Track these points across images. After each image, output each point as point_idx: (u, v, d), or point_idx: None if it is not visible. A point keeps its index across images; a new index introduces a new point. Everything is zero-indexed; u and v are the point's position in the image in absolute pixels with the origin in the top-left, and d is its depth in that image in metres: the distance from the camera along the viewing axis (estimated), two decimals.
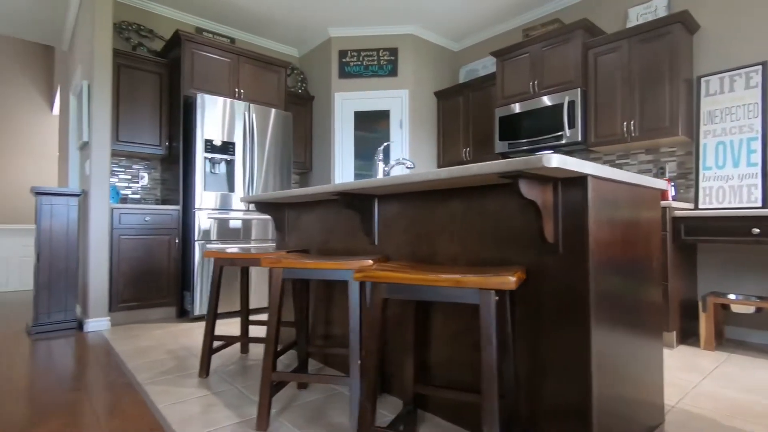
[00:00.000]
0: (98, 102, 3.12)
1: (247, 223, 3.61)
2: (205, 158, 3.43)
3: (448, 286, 1.10)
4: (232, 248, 3.51)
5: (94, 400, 1.82)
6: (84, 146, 3.37)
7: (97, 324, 3.07)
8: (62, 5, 4.03)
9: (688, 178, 3.11)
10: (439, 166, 4.53)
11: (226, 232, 3.50)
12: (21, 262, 7.96)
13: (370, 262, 1.57)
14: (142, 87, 3.62)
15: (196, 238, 3.35)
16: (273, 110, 3.79)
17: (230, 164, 3.60)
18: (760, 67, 2.76)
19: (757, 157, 2.73)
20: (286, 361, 2.38)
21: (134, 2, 3.93)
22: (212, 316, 2.14)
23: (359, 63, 4.42)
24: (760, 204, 2.69)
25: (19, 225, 7.89)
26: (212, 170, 3.53)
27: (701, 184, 2.93)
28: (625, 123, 3.11)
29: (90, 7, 3.30)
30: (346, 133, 4.44)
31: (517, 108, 3.69)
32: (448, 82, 4.72)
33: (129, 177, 3.82)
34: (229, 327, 3.18)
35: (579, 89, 3.30)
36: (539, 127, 3.53)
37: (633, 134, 3.07)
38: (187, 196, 3.49)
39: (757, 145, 2.73)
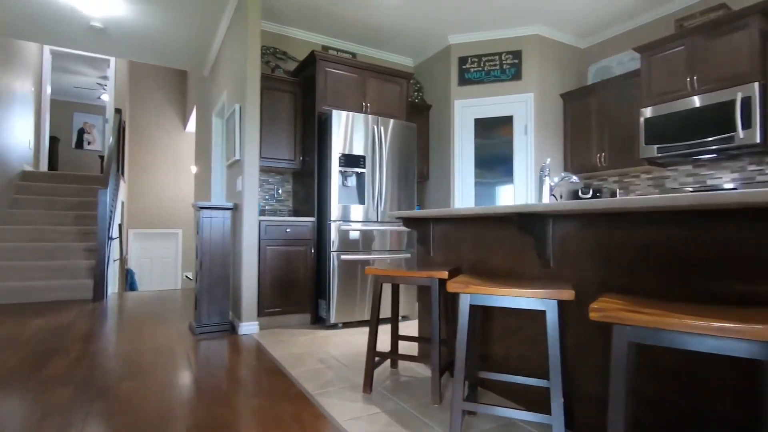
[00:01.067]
0: (250, 123, 3.39)
1: (379, 234, 3.69)
2: (339, 171, 3.57)
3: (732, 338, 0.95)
4: (366, 257, 3.60)
5: (281, 410, 1.94)
6: (234, 164, 3.69)
7: (248, 328, 3.33)
8: (209, 37, 4.48)
9: None
10: (566, 171, 4.24)
11: (357, 243, 3.60)
12: (163, 262, 9.11)
13: (571, 291, 1.46)
14: (279, 106, 3.88)
15: (331, 248, 3.50)
16: (398, 122, 3.83)
17: (360, 177, 3.71)
18: None
19: None
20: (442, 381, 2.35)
21: (271, 27, 4.24)
22: (374, 332, 2.18)
23: (480, 69, 4.30)
24: None
25: (159, 229, 9.04)
26: (344, 183, 3.66)
27: None
28: None
29: (238, 38, 3.61)
30: (466, 141, 4.35)
31: (669, 108, 3.30)
32: (574, 82, 4.40)
33: (266, 191, 4.12)
34: (365, 337, 3.26)
35: (757, 84, 2.85)
36: (700, 129, 3.12)
37: None
38: (322, 208, 3.66)
39: None
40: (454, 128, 4.38)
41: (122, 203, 7.13)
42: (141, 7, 3.90)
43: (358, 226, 3.61)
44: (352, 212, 3.59)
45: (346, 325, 3.61)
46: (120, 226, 6.05)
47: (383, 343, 3.05)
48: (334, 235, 3.51)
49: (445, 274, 2.04)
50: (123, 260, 6.20)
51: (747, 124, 2.88)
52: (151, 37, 4.52)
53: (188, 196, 9.13)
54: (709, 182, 3.44)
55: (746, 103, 2.88)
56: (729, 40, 3.01)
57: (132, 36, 4.52)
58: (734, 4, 3.33)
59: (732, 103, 2.95)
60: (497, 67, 4.25)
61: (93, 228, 5.50)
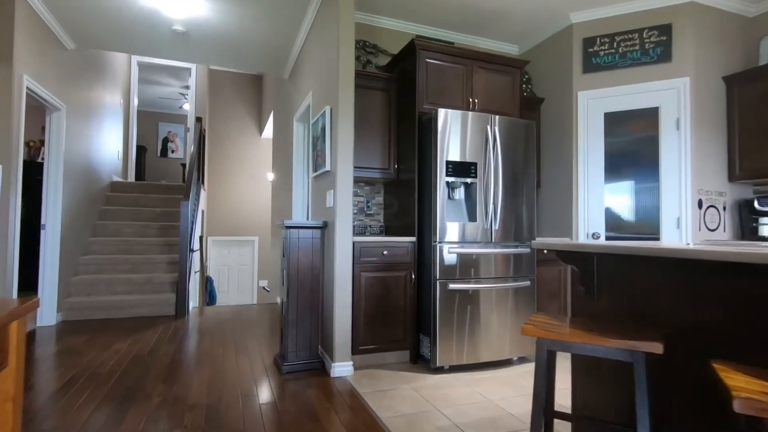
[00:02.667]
0: (343, 128, 2.89)
1: (491, 258, 3.03)
2: (446, 183, 2.96)
3: None
4: (477, 286, 2.96)
5: None
6: (323, 175, 3.22)
7: (342, 369, 2.83)
8: (292, 33, 4.08)
9: None
10: (733, 176, 3.29)
11: (466, 269, 2.97)
12: (239, 269, 9.12)
13: None
14: (370, 106, 3.35)
15: (436, 275, 2.89)
16: (514, 120, 3.14)
17: (469, 188, 3.07)
18: None
19: None
20: None
21: (358, 18, 3.74)
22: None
23: (613, 51, 3.48)
24: None
25: (236, 237, 9.04)
26: (450, 196, 3.05)
27: None
28: None
29: (327, 32, 3.13)
30: (593, 141, 3.54)
31: None
32: (741, 61, 3.43)
33: (354, 204, 3.62)
34: (484, 389, 2.62)
35: None
36: None
37: None
38: (424, 225, 3.07)
39: None
40: (578, 125, 3.59)
41: (202, 212, 7.09)
42: (221, 6, 3.57)
43: (472, 249, 2.97)
44: (460, 231, 2.96)
45: (454, 369, 2.98)
46: (201, 237, 5.93)
47: (507, 401, 2.38)
48: (440, 259, 2.90)
49: (658, 348, 1.35)
50: (203, 270, 6.10)
51: None
52: (230, 37, 4.22)
53: (264, 203, 9.04)
54: None
55: None
56: None
57: (212, 39, 4.25)
58: None
59: None
60: (637, 47, 3.40)
61: (176, 240, 5.39)
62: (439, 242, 2.91)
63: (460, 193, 3.08)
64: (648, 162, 3.37)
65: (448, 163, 2.95)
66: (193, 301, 5.29)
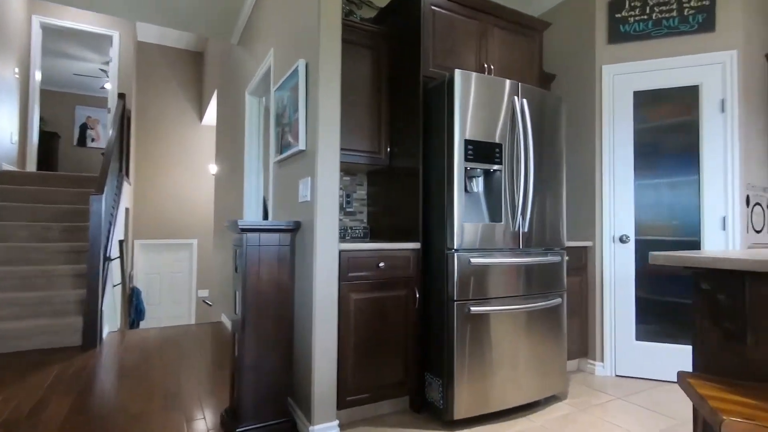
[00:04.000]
0: (326, 91, 2.03)
1: (523, 270, 2.32)
2: (465, 169, 2.20)
3: None
4: (505, 308, 2.22)
5: None
6: (294, 159, 2.34)
7: None
8: None
9: None
10: None
11: (490, 284, 2.22)
12: (174, 278, 7.82)
13: None
14: (354, 69, 2.52)
15: (455, 295, 2.12)
16: (542, 91, 2.45)
17: (491, 178, 2.33)
18: None
19: None
20: None
21: None
22: None
23: (645, 17, 2.90)
24: None
25: (171, 240, 7.75)
26: (467, 188, 2.29)
27: None
28: None
29: None
30: (619, 125, 2.95)
31: None
32: None
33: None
34: None
35: None
36: None
37: None
38: (431, 227, 2.29)
39: None
40: (602, 106, 2.98)
41: (126, 210, 5.84)
42: None
43: (499, 258, 2.23)
44: (481, 235, 2.21)
45: (479, 420, 2.22)
46: (122, 242, 4.74)
47: None
48: (458, 272, 2.13)
49: None
50: (125, 282, 4.91)
51: None
52: None
53: (205, 200, 7.82)
54: None
55: None
56: None
57: None
58: None
59: None
60: (674, 13, 2.85)
61: (87, 245, 4.20)
62: (457, 250, 2.14)
63: (478, 185, 2.33)
64: (686, 151, 2.83)
65: (467, 143, 2.19)
66: (111, 323, 4.14)
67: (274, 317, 2.07)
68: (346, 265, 2.09)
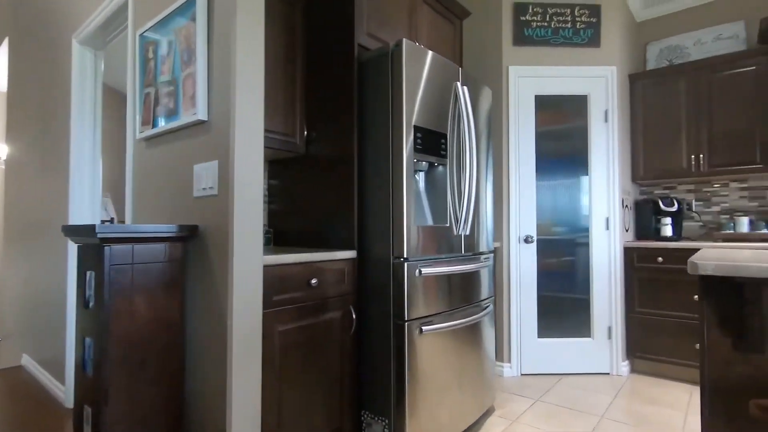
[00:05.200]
0: (247, 31, 1.41)
1: (469, 278, 2.06)
2: (414, 161, 1.83)
3: None
4: (455, 323, 1.93)
5: None
6: (183, 133, 1.60)
7: None
8: None
9: None
10: (637, 176, 3.25)
11: (441, 298, 1.91)
12: None
13: None
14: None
15: (406, 314, 1.74)
16: (479, 83, 2.26)
17: (433, 173, 2.02)
18: None
19: None
20: None
21: None
22: None
23: (545, 24, 3.00)
24: None
25: None
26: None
27: None
28: None
29: None
30: (524, 128, 2.99)
31: None
32: (635, 61, 3.44)
33: None
34: None
35: None
36: None
37: None
38: (368, 231, 1.86)
39: None
40: (508, 106, 2.98)
41: None
42: None
43: (447, 267, 1.92)
44: (426, 239, 1.88)
45: None
46: None
47: None
48: (407, 285, 1.75)
49: None
50: None
51: None
52: None
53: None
54: None
55: None
56: None
57: None
58: None
59: None
60: (569, 24, 3.01)
61: None
62: (407, 259, 1.75)
63: (420, 181, 1.99)
64: (579, 156, 3.02)
65: (416, 130, 1.82)
66: None
67: (156, 376, 1.36)
68: (270, 284, 1.50)
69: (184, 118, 1.51)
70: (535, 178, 2.98)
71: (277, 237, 2.23)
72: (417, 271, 1.79)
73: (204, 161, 1.47)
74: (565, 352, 2.93)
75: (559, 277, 3.00)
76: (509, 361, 2.92)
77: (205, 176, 1.45)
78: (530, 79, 2.99)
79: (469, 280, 2.09)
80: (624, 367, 2.94)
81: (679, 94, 3.09)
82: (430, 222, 1.99)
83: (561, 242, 3.01)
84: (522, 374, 2.94)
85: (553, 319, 2.96)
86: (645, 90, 3.23)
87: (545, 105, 3.02)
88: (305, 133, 2.06)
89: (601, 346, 2.94)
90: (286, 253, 1.58)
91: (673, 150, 3.11)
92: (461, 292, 2.03)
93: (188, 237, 1.45)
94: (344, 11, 1.93)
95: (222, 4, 1.44)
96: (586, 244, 2.99)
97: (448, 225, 1.98)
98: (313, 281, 1.65)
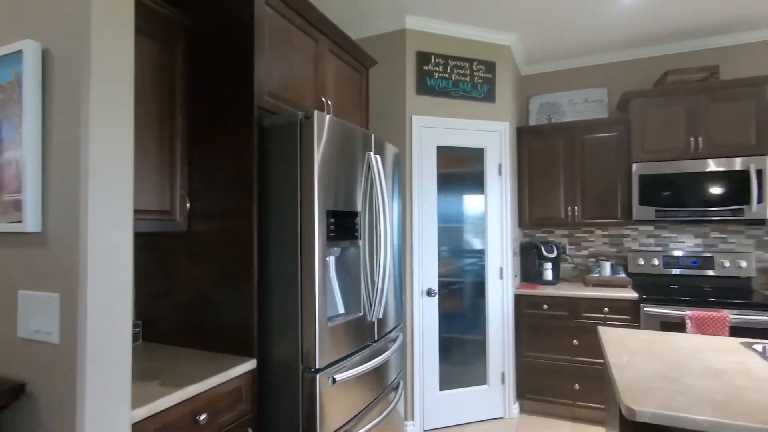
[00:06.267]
0: (107, 97, 1.02)
1: (382, 369, 1.86)
2: (329, 249, 1.58)
3: None
4: None
5: None
6: None
7: None
8: None
9: None
10: (524, 224, 3.47)
11: (353, 403, 1.69)
12: None
13: None
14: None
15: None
16: (389, 146, 2.10)
17: (345, 255, 1.79)
18: None
19: None
20: None
21: None
22: None
23: (446, 76, 2.99)
24: None
25: None
26: None
27: None
28: None
29: None
30: (427, 181, 2.94)
31: (668, 167, 2.96)
32: (519, 112, 3.67)
33: None
34: None
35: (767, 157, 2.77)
36: (708, 197, 2.87)
37: None
38: (270, 332, 1.56)
39: None
40: (412, 157, 2.90)
41: None
42: None
43: (364, 366, 1.71)
44: (341, 335, 1.65)
45: None
46: None
47: None
48: (320, 404, 1.50)
49: None
50: None
51: (761, 198, 2.77)
52: None
53: None
54: (672, 245, 3.32)
55: (760, 175, 2.77)
56: (736, 107, 2.86)
57: None
58: (724, 71, 3.23)
59: (745, 174, 2.80)
60: (467, 78, 3.04)
61: None
62: (318, 370, 1.50)
63: (331, 267, 1.75)
64: (477, 207, 3.09)
65: (329, 214, 1.58)
66: None
67: None
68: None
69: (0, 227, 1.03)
70: (437, 231, 2.96)
71: (148, 329, 1.77)
72: (331, 380, 1.54)
73: (36, 289, 1.02)
74: (464, 402, 2.96)
75: (459, 327, 3.02)
76: (413, 418, 2.84)
77: (38, 314, 1.01)
78: (433, 130, 2.96)
79: (384, 367, 1.92)
80: (515, 409, 3.09)
81: (558, 150, 3.37)
82: (341, 310, 1.76)
83: (461, 291, 3.04)
84: (425, 430, 2.88)
85: (453, 369, 2.97)
86: (531, 143, 3.45)
87: (447, 155, 3.02)
88: (187, 205, 1.66)
89: (496, 391, 3.04)
90: (177, 391, 1.20)
91: (553, 202, 3.38)
92: (375, 384, 1.85)
93: (5, 404, 0.99)
94: (241, 64, 1.59)
95: (64, 70, 1.01)
96: (483, 293, 3.07)
97: (362, 313, 1.77)
98: (202, 417, 1.30)
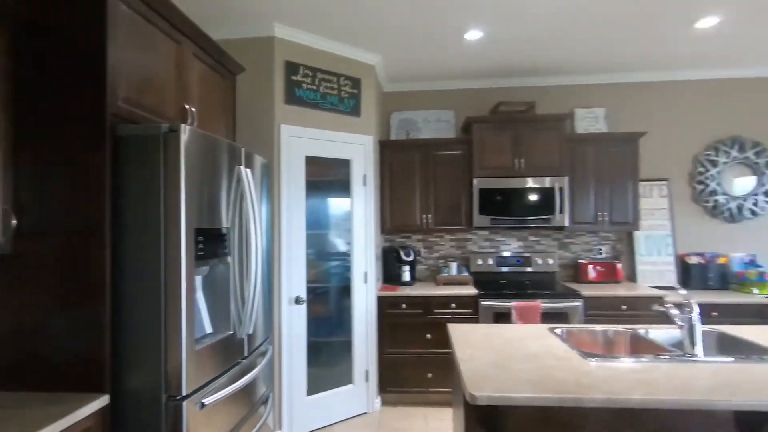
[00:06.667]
0: None
1: (250, 384, 1.83)
2: (197, 268, 1.51)
3: None
4: None
5: None
6: None
7: None
8: None
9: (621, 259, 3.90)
10: (386, 230, 3.75)
11: (221, 425, 1.65)
12: None
13: None
14: None
15: None
16: (259, 158, 2.08)
17: (213, 272, 1.73)
18: None
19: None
20: None
21: None
22: None
23: (315, 88, 3.06)
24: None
25: None
26: None
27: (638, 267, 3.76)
28: (599, 213, 3.58)
29: None
30: (296, 189, 2.97)
31: (500, 183, 3.56)
32: (382, 126, 3.95)
33: None
34: None
35: (567, 178, 3.53)
36: (527, 208, 3.53)
37: (606, 223, 3.58)
38: (126, 361, 1.42)
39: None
40: (281, 168, 2.89)
41: None
42: None
43: (231, 387, 1.66)
44: (208, 356, 1.60)
45: None
46: None
47: None
48: (187, 429, 1.43)
49: None
50: None
51: (561, 209, 3.52)
52: None
53: None
54: (502, 247, 3.98)
55: (561, 192, 3.52)
56: (546, 137, 3.57)
57: None
58: (539, 106, 3.94)
59: (552, 190, 3.52)
60: (335, 92, 3.15)
61: None
62: (185, 397, 1.43)
63: (198, 287, 1.67)
64: (344, 215, 3.23)
65: (198, 232, 1.51)
66: None
67: None
68: None
69: None
70: (305, 239, 3.01)
71: None
72: (199, 405, 1.49)
73: None
74: (331, 403, 3.08)
75: (326, 331, 3.12)
76: (281, 427, 2.84)
77: None
78: (302, 140, 3.00)
79: (254, 382, 1.91)
80: (377, 403, 3.33)
81: (415, 163, 3.74)
82: (209, 330, 1.69)
83: (328, 296, 3.15)
84: None
85: (321, 372, 3.07)
86: (392, 156, 3.74)
87: (316, 164, 3.09)
88: (12, 222, 1.40)
89: (361, 388, 3.23)
90: None
91: (410, 210, 3.73)
92: (245, 399, 1.83)
93: None
94: (92, 65, 1.41)
95: None
96: (349, 297, 3.23)
97: (231, 331, 1.74)
98: None
